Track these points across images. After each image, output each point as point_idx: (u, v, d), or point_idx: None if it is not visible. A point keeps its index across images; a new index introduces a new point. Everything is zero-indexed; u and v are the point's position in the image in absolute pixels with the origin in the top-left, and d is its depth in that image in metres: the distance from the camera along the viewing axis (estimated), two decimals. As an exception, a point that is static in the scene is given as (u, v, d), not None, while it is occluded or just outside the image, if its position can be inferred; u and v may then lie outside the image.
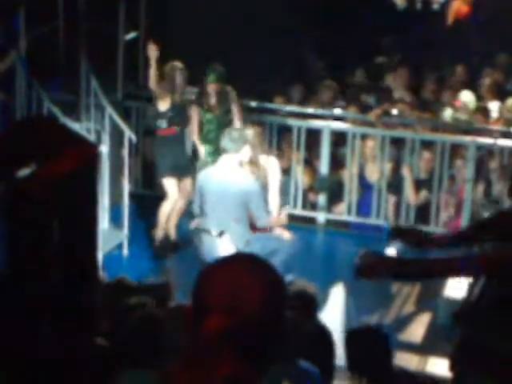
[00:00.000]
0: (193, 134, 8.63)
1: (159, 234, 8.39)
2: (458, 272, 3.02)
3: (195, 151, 8.72)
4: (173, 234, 8.45)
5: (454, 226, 8.87)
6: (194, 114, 8.54)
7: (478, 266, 2.92)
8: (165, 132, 8.31)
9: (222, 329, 1.81)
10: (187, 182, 8.42)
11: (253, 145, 7.04)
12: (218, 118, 8.56)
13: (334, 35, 12.05)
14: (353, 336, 4.28)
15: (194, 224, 7.21)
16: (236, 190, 6.70)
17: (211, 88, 8.50)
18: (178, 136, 8.40)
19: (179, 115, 8.34)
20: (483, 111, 9.63)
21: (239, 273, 1.89)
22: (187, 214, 8.23)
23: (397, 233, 3.56)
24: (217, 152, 8.48)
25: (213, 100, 8.55)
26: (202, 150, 8.58)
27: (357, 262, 3.07)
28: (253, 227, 7.00)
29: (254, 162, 7.25)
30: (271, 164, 7.50)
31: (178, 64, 8.45)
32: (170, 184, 8.35)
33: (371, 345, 4.19)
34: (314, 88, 10.62)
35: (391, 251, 3.50)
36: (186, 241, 8.12)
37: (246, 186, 6.73)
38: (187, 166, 8.46)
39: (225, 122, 8.55)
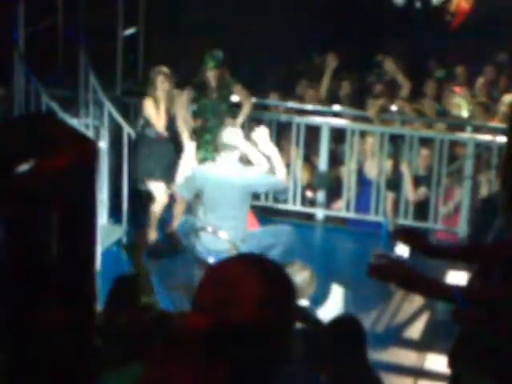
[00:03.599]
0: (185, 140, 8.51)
1: (152, 235, 8.38)
2: (451, 300, 3.11)
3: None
4: (176, 235, 8.44)
5: (452, 223, 8.88)
6: (180, 118, 8.37)
7: (466, 300, 3.03)
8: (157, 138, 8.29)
9: (200, 327, 1.76)
10: None
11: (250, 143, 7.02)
12: (213, 104, 8.51)
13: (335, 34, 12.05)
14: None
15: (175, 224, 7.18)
16: (238, 185, 6.67)
17: (210, 74, 8.44)
18: (169, 139, 8.32)
19: (168, 121, 8.28)
20: (483, 106, 9.63)
21: (234, 271, 1.82)
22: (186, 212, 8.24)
23: (401, 235, 3.54)
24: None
25: (212, 86, 8.48)
26: (196, 157, 8.48)
27: (372, 262, 3.11)
28: (252, 223, 7.01)
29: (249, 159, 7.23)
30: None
31: (163, 68, 8.34)
32: (157, 188, 8.32)
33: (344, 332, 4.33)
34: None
35: (401, 250, 3.47)
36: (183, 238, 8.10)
37: (248, 178, 6.71)
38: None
39: (221, 110, 8.52)
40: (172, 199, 8.50)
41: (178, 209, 8.37)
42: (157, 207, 8.38)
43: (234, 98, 8.75)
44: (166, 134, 8.30)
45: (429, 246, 3.56)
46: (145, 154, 8.42)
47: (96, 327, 4.02)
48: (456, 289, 3.06)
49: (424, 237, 3.62)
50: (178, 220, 8.35)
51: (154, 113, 8.22)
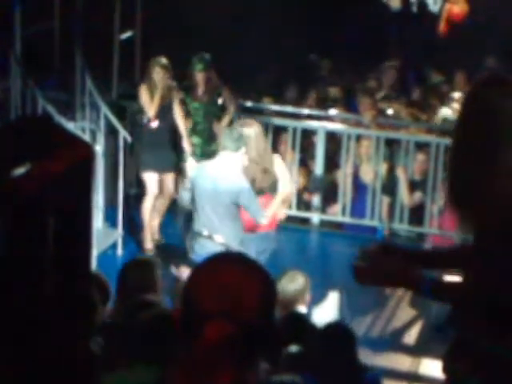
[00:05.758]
0: (180, 126, 8.50)
1: (147, 235, 8.35)
2: (418, 291, 3.01)
3: (179, 145, 8.59)
4: (157, 234, 8.44)
5: (448, 226, 8.87)
6: (177, 105, 8.41)
7: (433, 293, 2.95)
8: (148, 125, 8.30)
9: (224, 335, 1.79)
10: (169, 178, 8.38)
11: (257, 143, 6.89)
12: (204, 107, 8.55)
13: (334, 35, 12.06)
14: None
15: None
16: (226, 189, 6.62)
17: (199, 77, 8.49)
18: (163, 130, 8.35)
19: (162, 111, 8.30)
20: None
21: (234, 275, 1.86)
22: (173, 211, 8.23)
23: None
24: (206, 144, 8.46)
25: (200, 89, 8.54)
26: (188, 142, 8.50)
27: (355, 265, 2.97)
28: (248, 226, 6.97)
29: (257, 162, 7.03)
30: (277, 162, 7.30)
31: (160, 59, 8.37)
32: (149, 179, 8.32)
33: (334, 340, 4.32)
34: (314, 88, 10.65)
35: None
36: (175, 241, 8.09)
37: (235, 184, 6.64)
38: (171, 162, 8.41)
39: (212, 112, 8.57)
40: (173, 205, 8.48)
41: (161, 205, 8.38)
42: (147, 200, 8.34)
43: (219, 101, 8.78)
44: (156, 121, 8.27)
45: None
46: (139, 144, 8.45)
47: (102, 327, 4.02)
48: (426, 280, 2.97)
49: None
50: (160, 216, 8.36)
51: (148, 100, 8.22)
